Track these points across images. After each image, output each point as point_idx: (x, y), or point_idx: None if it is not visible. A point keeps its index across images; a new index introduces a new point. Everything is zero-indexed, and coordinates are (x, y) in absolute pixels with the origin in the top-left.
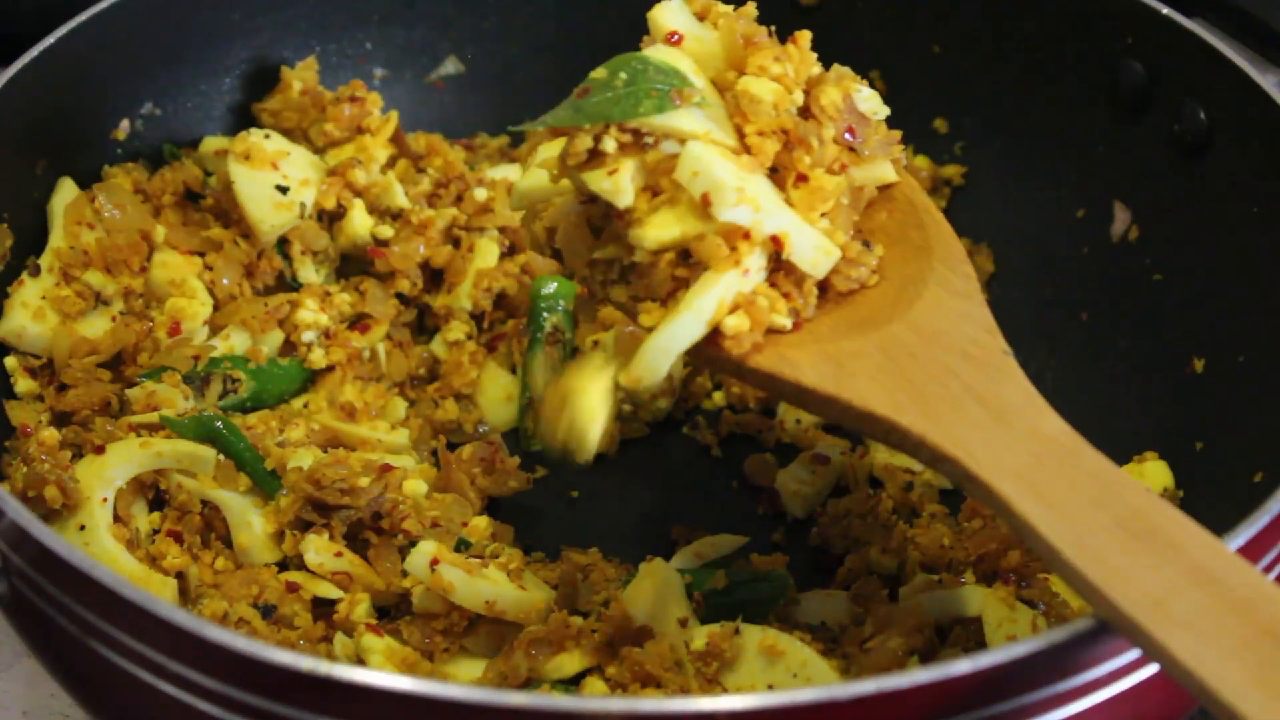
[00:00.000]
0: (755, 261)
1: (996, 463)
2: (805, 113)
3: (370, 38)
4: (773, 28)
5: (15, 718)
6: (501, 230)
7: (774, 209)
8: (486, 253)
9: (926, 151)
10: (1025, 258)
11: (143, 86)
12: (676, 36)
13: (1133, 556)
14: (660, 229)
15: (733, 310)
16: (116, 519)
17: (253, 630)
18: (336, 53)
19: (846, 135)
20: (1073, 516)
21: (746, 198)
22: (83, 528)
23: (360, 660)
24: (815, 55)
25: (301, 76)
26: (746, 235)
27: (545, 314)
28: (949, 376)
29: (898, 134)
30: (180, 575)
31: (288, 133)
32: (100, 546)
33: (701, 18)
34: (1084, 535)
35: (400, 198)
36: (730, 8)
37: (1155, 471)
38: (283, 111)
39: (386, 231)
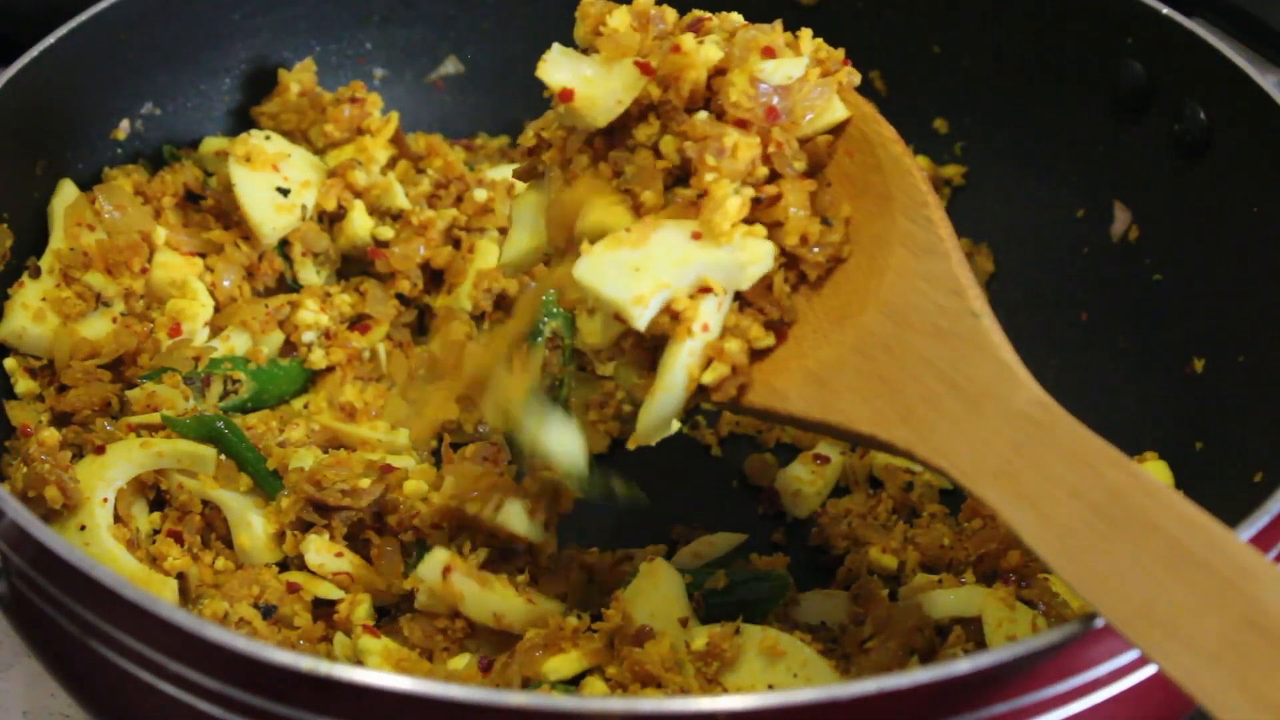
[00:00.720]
0: (707, 310)
1: (978, 466)
2: (720, 112)
3: (370, 38)
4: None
5: (15, 718)
6: (502, 231)
7: (680, 269)
8: (486, 253)
9: (926, 151)
10: (1025, 258)
11: (143, 86)
12: (568, 93)
13: (1115, 554)
14: (600, 335)
15: (709, 364)
16: (117, 519)
17: (253, 630)
18: (336, 53)
19: (770, 117)
20: (1055, 514)
21: (648, 293)
22: (83, 528)
23: (359, 661)
24: (710, 44)
25: (299, 78)
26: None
27: (545, 319)
28: (923, 367)
29: (838, 55)
30: (181, 575)
31: (288, 134)
32: (100, 546)
33: (597, 32)
34: (1068, 537)
35: (400, 199)
36: (615, 25)
37: (1155, 471)
38: (281, 114)
39: (387, 232)
